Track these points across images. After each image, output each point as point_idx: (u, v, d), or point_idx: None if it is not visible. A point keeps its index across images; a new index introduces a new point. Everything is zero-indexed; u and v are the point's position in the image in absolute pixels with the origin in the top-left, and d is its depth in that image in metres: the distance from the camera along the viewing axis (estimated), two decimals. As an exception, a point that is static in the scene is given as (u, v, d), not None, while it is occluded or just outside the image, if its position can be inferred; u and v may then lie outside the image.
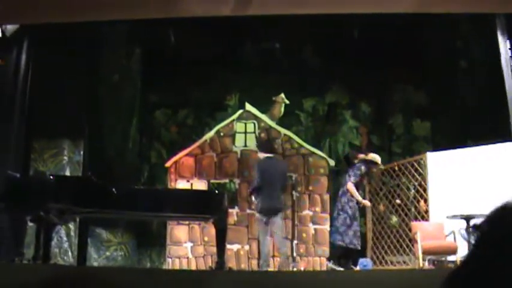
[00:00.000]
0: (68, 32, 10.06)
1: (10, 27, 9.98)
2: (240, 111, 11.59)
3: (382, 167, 8.87)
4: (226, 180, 11.38)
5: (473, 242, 1.07)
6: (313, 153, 11.31)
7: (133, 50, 12.29)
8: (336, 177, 12.07)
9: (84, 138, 11.06)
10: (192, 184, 11.09)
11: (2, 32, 9.81)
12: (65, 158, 10.72)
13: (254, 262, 10.77)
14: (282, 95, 11.77)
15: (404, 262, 10.00)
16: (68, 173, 10.47)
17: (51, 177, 7.49)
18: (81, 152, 10.88)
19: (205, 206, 7.41)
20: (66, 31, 10.01)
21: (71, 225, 10.29)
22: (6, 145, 9.57)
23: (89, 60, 11.16)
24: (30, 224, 8.98)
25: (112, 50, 11.99)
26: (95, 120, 11.57)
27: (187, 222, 10.76)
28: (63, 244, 10.33)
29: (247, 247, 10.86)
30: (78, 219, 9.90)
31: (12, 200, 6.78)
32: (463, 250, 7.96)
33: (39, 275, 5.08)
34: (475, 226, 1.06)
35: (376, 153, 10.17)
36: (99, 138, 11.62)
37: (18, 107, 10.03)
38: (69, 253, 10.35)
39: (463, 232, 7.74)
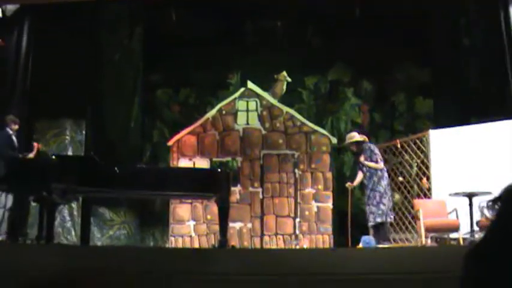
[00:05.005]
0: (69, 12, 10.02)
1: (10, 7, 9.93)
2: (242, 89, 11.57)
3: (351, 140, 8.74)
4: (229, 158, 11.38)
5: (490, 216, 1.04)
6: (316, 130, 11.31)
7: (134, 30, 12.24)
8: (338, 155, 12.05)
9: (86, 117, 11.07)
10: (194, 162, 11.12)
11: (2, 12, 9.77)
12: (67, 137, 10.74)
13: (257, 240, 10.83)
14: (284, 73, 11.74)
15: (407, 239, 10.02)
16: (70, 153, 10.50)
17: (54, 157, 7.50)
18: (83, 132, 10.89)
19: (207, 185, 7.40)
20: (66, 11, 9.96)
21: (74, 205, 10.33)
22: (8, 125, 9.56)
23: (90, 40, 11.11)
24: (33, 204, 9.02)
25: (113, 29, 11.93)
26: (97, 100, 11.56)
27: (189, 201, 10.79)
28: (67, 223, 10.39)
29: (249, 225, 10.90)
30: (81, 199, 9.95)
31: (15, 181, 6.80)
32: (465, 227, 7.97)
33: (42, 255, 5.11)
34: (491, 201, 1.03)
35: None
36: (101, 117, 11.62)
37: (20, 88, 10.02)
38: (73, 232, 10.41)
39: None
